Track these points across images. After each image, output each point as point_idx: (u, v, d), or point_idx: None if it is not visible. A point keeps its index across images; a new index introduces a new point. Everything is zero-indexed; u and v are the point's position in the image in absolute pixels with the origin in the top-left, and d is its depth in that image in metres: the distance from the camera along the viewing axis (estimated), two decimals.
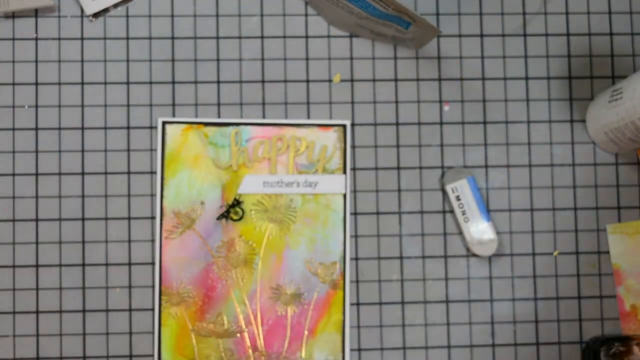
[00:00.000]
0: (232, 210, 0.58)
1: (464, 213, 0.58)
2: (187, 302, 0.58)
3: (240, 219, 0.58)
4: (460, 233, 0.59)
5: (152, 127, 0.59)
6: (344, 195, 0.59)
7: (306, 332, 0.58)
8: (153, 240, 0.58)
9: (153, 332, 0.57)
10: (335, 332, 0.58)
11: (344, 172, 0.59)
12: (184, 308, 0.58)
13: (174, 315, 0.58)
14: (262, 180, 0.58)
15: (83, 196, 0.58)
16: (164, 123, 0.58)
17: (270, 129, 0.59)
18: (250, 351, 0.58)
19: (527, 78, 0.61)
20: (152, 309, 0.58)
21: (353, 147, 0.59)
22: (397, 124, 0.60)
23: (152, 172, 0.58)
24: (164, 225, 0.58)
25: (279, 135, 0.59)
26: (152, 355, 0.57)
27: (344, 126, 0.59)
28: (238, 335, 0.58)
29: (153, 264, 0.58)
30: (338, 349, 0.58)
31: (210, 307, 0.58)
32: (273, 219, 0.58)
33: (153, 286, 0.58)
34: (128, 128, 0.59)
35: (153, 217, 0.58)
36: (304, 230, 0.58)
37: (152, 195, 0.58)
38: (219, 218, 0.58)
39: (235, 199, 0.58)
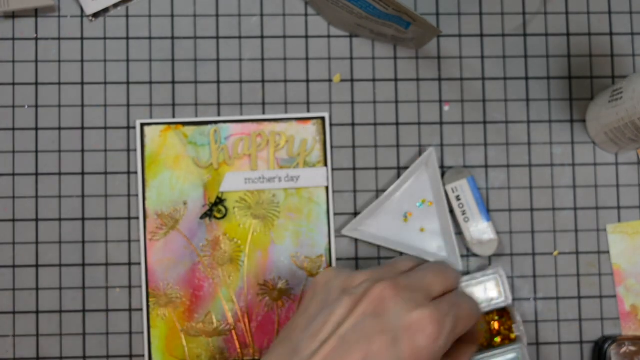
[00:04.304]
0: (215, 208, 0.58)
1: (464, 213, 0.58)
2: (175, 303, 0.57)
3: (224, 217, 0.58)
4: (460, 233, 0.59)
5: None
6: (327, 188, 0.59)
7: None
8: (139, 241, 0.58)
9: (143, 335, 0.57)
10: None
11: (325, 164, 0.59)
12: (172, 309, 0.57)
13: (162, 317, 0.57)
14: (243, 177, 0.58)
15: (83, 196, 0.58)
16: (142, 125, 0.58)
17: (249, 126, 0.59)
18: (240, 348, 0.57)
19: (527, 78, 0.61)
20: (141, 309, 0.58)
21: (353, 146, 0.59)
22: (397, 124, 0.60)
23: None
24: (147, 227, 0.58)
25: (258, 131, 0.59)
26: (143, 356, 0.57)
27: (323, 119, 0.59)
28: (228, 333, 0.58)
29: (139, 264, 0.58)
30: None
31: (198, 306, 0.58)
32: (256, 215, 0.58)
33: (140, 287, 0.58)
34: (128, 128, 0.59)
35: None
36: (288, 225, 0.58)
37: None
38: (202, 217, 0.58)
39: (217, 197, 0.58)
